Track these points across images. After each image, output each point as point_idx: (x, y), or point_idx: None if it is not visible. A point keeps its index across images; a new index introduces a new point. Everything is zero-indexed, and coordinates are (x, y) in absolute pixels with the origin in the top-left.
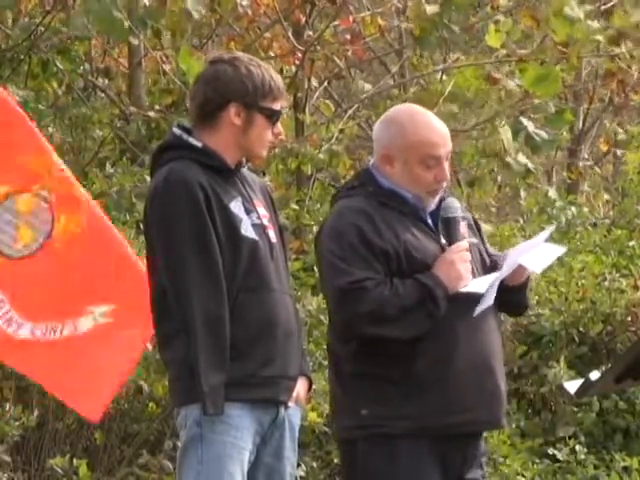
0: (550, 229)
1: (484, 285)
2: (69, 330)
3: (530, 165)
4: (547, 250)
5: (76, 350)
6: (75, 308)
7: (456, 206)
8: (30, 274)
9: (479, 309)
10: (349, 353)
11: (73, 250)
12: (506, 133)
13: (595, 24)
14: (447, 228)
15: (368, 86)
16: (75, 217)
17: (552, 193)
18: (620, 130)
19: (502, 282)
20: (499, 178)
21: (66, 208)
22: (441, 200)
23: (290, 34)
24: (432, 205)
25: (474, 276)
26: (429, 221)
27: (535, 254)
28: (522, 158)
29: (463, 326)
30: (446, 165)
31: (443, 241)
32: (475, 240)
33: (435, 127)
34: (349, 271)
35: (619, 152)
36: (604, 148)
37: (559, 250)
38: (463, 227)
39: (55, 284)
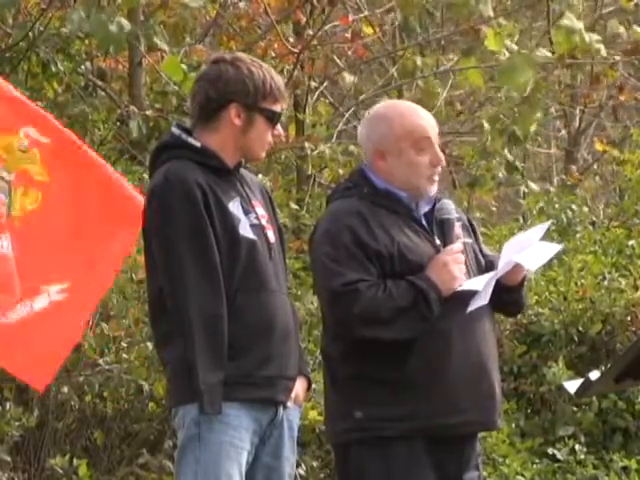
0: (546, 225)
1: (480, 284)
2: (26, 311)
3: (510, 158)
4: (543, 248)
5: (31, 328)
6: (32, 287)
7: (451, 207)
8: None
9: (472, 306)
10: (342, 355)
11: (30, 228)
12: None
13: (595, 36)
14: (442, 229)
15: (351, 78)
16: (31, 193)
17: (552, 190)
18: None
19: (499, 282)
20: (500, 175)
21: (22, 184)
22: (435, 201)
23: (291, 33)
24: (426, 207)
25: (469, 277)
26: (423, 222)
27: (531, 252)
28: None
29: (457, 327)
30: (438, 148)
31: (437, 242)
32: (470, 240)
33: (420, 114)
34: (342, 273)
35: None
36: (600, 148)
37: (555, 248)
38: (458, 228)
39: (16, 264)
